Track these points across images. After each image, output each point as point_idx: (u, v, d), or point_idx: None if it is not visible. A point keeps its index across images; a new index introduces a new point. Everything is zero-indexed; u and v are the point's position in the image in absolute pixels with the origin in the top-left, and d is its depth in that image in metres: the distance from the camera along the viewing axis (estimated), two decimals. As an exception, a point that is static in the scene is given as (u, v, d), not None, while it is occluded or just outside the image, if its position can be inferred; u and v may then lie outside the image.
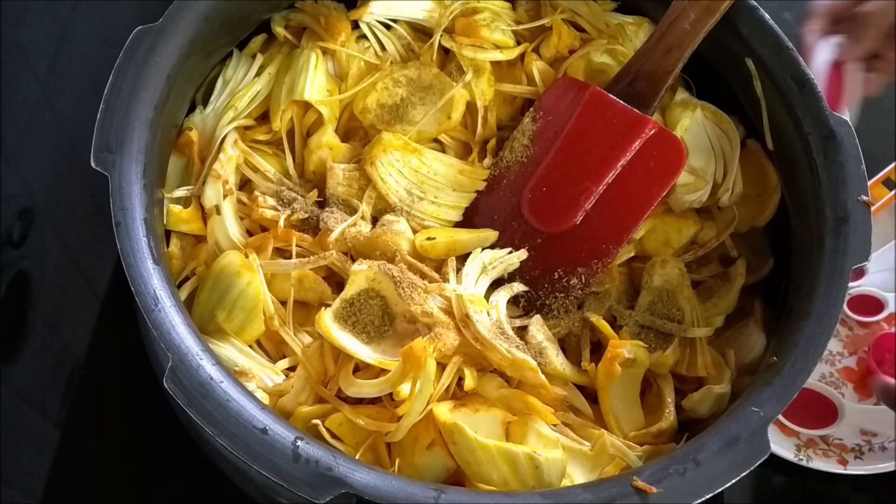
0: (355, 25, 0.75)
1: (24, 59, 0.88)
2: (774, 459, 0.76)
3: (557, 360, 0.66)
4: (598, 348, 0.68)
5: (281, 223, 0.67)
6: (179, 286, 0.65)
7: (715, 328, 0.70)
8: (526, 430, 0.60)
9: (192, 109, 0.71)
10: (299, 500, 0.52)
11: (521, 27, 0.76)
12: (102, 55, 0.81)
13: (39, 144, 0.86)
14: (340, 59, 0.74)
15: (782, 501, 0.78)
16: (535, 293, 0.69)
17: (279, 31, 0.75)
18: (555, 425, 0.62)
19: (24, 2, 0.91)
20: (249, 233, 0.69)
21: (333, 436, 0.60)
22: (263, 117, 0.73)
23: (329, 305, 0.64)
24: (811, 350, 0.59)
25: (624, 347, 0.65)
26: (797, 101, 0.68)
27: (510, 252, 0.69)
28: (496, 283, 0.69)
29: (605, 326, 0.67)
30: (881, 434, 0.79)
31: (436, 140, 0.74)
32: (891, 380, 0.72)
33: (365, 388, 0.61)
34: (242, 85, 0.72)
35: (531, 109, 0.74)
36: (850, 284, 0.63)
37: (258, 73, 0.73)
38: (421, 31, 0.77)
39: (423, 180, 0.71)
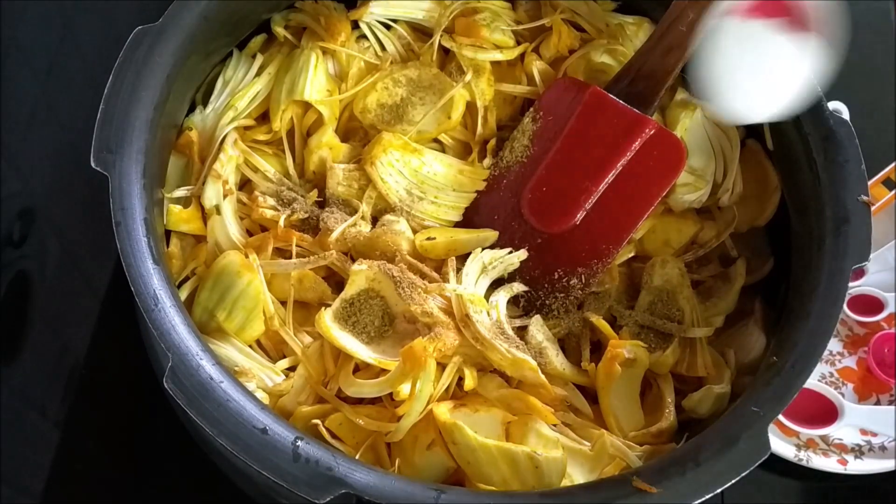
0: (355, 25, 0.75)
1: (24, 59, 0.88)
2: (774, 459, 0.76)
3: (557, 360, 0.66)
4: (598, 348, 0.68)
5: (281, 223, 0.67)
6: (179, 286, 0.65)
7: (715, 328, 0.70)
8: (526, 430, 0.60)
9: (192, 109, 0.71)
10: (299, 500, 0.52)
11: (521, 27, 0.76)
12: (102, 55, 0.81)
13: (39, 144, 0.86)
14: (340, 59, 0.74)
15: (782, 501, 0.78)
16: (535, 293, 0.69)
17: (279, 31, 0.75)
18: (555, 425, 0.62)
19: (24, 2, 0.91)
20: (249, 233, 0.69)
21: (333, 436, 0.60)
22: (263, 117, 0.73)
23: (329, 305, 0.64)
24: (811, 350, 0.59)
25: (624, 347, 0.65)
26: (797, 101, 0.68)
27: (510, 252, 0.69)
28: (496, 283, 0.69)
29: (605, 326, 0.67)
30: (881, 434, 0.79)
31: (436, 140, 0.74)
32: None
33: (365, 388, 0.61)
34: (242, 85, 0.72)
35: (531, 109, 0.74)
36: (850, 284, 0.63)
37: (258, 73, 0.73)
38: (421, 31, 0.77)
39: (423, 180, 0.71)
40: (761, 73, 0.60)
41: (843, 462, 0.77)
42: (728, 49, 0.59)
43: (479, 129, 0.74)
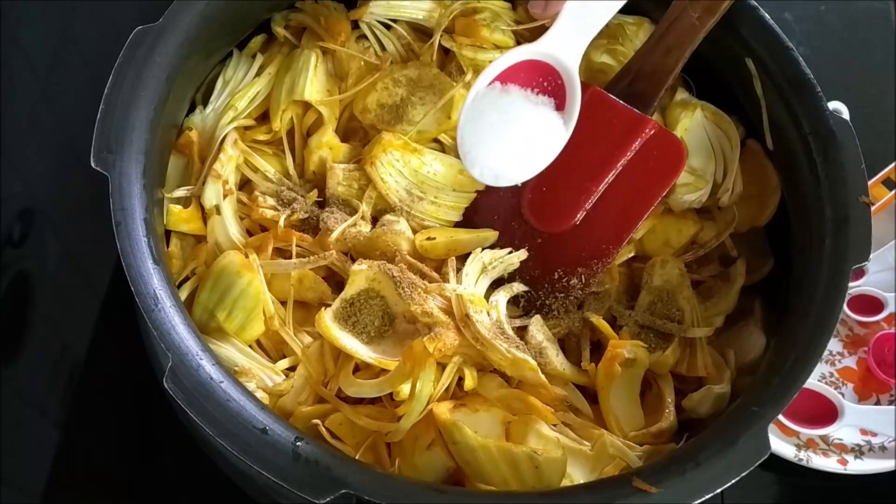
0: (355, 25, 0.75)
1: (24, 59, 0.88)
2: (774, 459, 0.76)
3: (557, 360, 0.66)
4: (598, 348, 0.68)
5: (281, 223, 0.67)
6: (179, 286, 0.65)
7: (715, 328, 0.70)
8: (526, 430, 0.60)
9: (192, 109, 0.71)
10: (299, 500, 0.52)
11: (521, 27, 0.76)
12: (102, 55, 0.81)
13: (39, 144, 0.86)
14: (340, 59, 0.74)
15: (782, 501, 0.78)
16: (535, 293, 0.69)
17: (279, 31, 0.75)
18: (555, 425, 0.62)
19: (24, 2, 0.91)
20: (249, 233, 0.69)
21: (333, 436, 0.60)
22: (263, 117, 0.73)
23: (329, 305, 0.64)
24: (811, 350, 0.59)
25: (624, 347, 0.65)
26: (797, 101, 0.68)
27: (510, 252, 0.69)
28: (496, 283, 0.69)
29: (605, 326, 0.67)
30: (881, 434, 0.79)
31: (436, 140, 0.74)
32: None
33: (365, 388, 0.61)
34: (242, 85, 0.72)
35: (531, 109, 0.74)
36: (850, 284, 0.63)
37: (258, 73, 0.73)
38: (421, 31, 0.77)
39: (423, 180, 0.71)
40: (514, 139, 0.62)
41: (843, 462, 0.77)
42: (484, 116, 0.62)
43: (480, 129, 0.74)
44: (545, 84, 0.64)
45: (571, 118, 0.63)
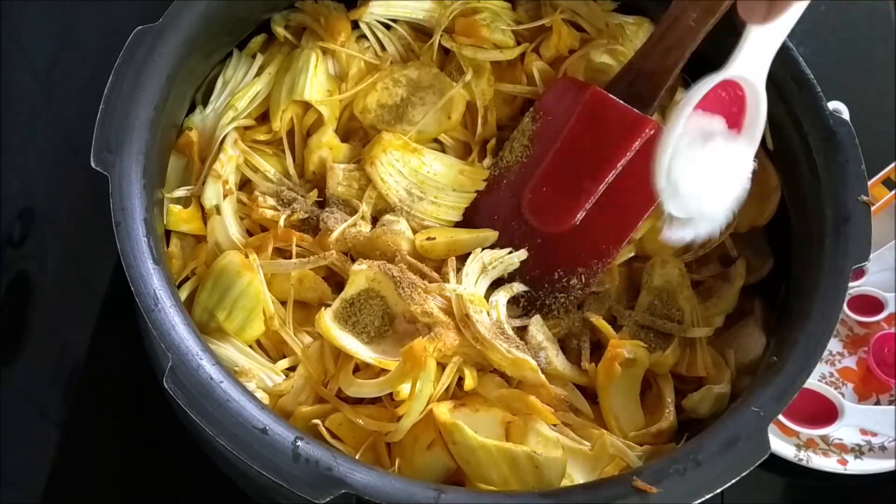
0: (355, 25, 0.75)
1: (24, 59, 0.88)
2: (774, 459, 0.76)
3: (557, 360, 0.66)
4: (598, 348, 0.68)
5: (281, 223, 0.67)
6: (179, 286, 0.65)
7: (715, 328, 0.70)
8: (526, 430, 0.60)
9: (192, 109, 0.71)
10: (299, 500, 0.52)
11: (521, 27, 0.76)
12: (102, 55, 0.81)
13: (39, 144, 0.86)
14: (340, 59, 0.74)
15: (782, 501, 0.78)
16: (535, 293, 0.69)
17: (279, 31, 0.75)
18: (555, 425, 0.62)
19: (24, 2, 0.91)
20: (249, 233, 0.69)
21: (333, 436, 0.60)
22: (263, 117, 0.73)
23: (329, 305, 0.64)
24: (811, 350, 0.59)
25: (624, 347, 0.65)
26: (797, 101, 0.68)
27: (510, 252, 0.69)
28: (496, 283, 0.69)
29: (605, 326, 0.67)
30: (881, 434, 0.79)
31: (436, 140, 0.74)
32: None
33: (365, 388, 0.61)
34: (242, 85, 0.72)
35: (531, 109, 0.74)
36: (850, 284, 0.63)
37: (258, 73, 0.73)
38: (421, 31, 0.77)
39: (423, 180, 0.71)
40: (711, 173, 0.61)
41: (843, 462, 0.77)
42: (692, 161, 0.60)
43: (479, 129, 0.74)
44: (724, 96, 0.62)
45: (754, 139, 0.62)
